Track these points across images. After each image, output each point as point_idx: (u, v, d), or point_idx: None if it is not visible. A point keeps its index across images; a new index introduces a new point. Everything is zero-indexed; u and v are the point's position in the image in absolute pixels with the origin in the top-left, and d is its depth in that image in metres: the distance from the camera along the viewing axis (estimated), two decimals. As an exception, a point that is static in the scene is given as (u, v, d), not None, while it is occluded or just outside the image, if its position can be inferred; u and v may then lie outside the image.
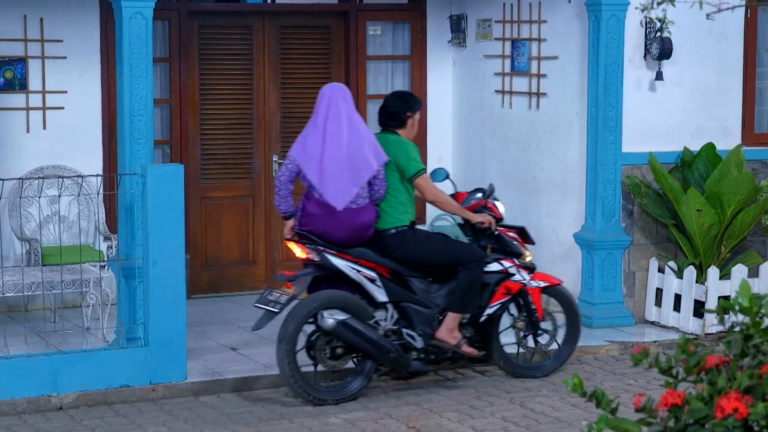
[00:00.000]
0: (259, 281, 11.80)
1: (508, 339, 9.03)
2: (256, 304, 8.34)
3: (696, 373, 3.40)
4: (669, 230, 10.44)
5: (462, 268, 8.53)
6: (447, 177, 9.05)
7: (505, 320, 9.04)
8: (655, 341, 9.95)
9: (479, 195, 9.04)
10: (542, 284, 8.98)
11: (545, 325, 9.08)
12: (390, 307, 8.54)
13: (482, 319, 8.74)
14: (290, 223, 8.58)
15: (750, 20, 10.81)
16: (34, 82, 10.75)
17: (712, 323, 10.08)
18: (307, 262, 8.45)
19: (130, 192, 8.71)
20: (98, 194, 10.45)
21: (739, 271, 10.12)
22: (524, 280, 8.86)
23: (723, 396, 3.19)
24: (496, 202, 9.03)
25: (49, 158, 10.75)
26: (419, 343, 8.55)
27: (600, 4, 10.05)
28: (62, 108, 10.82)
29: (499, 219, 8.94)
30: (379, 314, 8.52)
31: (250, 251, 11.76)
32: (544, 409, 8.31)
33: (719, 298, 10.08)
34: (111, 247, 10.46)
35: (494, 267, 8.76)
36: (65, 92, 10.82)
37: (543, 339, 9.08)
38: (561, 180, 10.76)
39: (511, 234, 8.95)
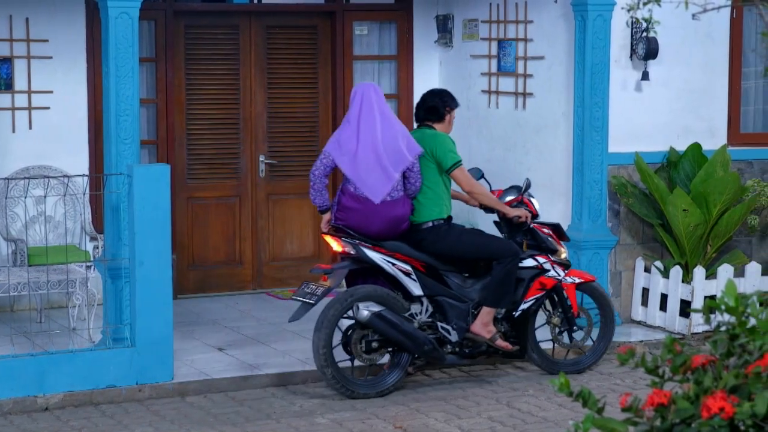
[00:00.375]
0: (246, 281, 11.80)
1: (543, 335, 9.15)
2: (294, 297, 8.49)
3: (682, 373, 3.40)
4: (655, 230, 10.45)
5: (496, 263, 8.64)
6: (482, 176, 9.15)
7: (540, 317, 9.19)
8: (642, 341, 9.97)
9: (513, 194, 9.09)
10: (577, 280, 9.09)
11: (580, 321, 9.20)
12: (425, 300, 8.64)
13: (517, 314, 8.87)
14: (326, 216, 8.74)
15: (735, 20, 10.83)
16: (19, 82, 10.72)
17: (698, 323, 10.10)
18: (343, 256, 8.54)
19: (117, 192, 8.70)
20: (84, 194, 10.43)
21: (725, 270, 10.14)
22: (559, 276, 8.97)
23: (709, 395, 3.19)
24: (532, 199, 9.16)
25: (35, 158, 10.72)
26: (454, 336, 8.65)
27: (586, 5, 10.05)
28: (48, 108, 10.79)
29: (534, 215, 9.05)
30: (414, 308, 8.62)
31: (237, 251, 11.75)
32: (530, 409, 8.31)
33: (705, 297, 10.10)
34: (97, 248, 10.44)
35: (529, 263, 8.89)
36: (51, 92, 10.79)
37: (578, 335, 9.20)
38: (547, 180, 10.77)
39: (546, 230, 9.05)
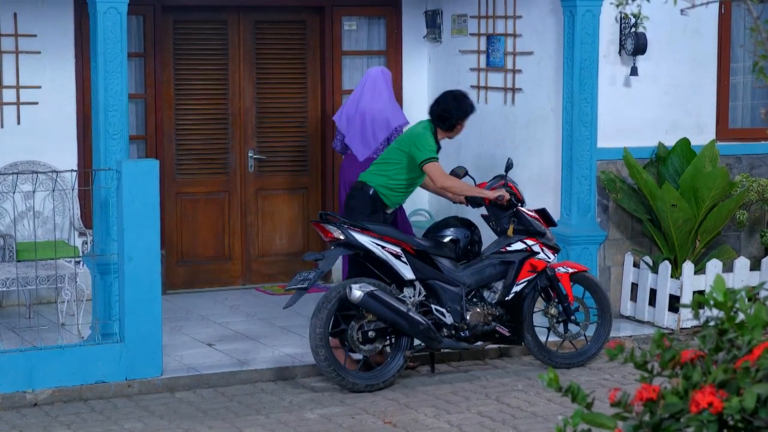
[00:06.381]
0: (235, 276, 11.79)
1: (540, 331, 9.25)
2: (288, 287, 8.51)
3: (671, 368, 3.40)
4: (644, 225, 10.47)
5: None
6: (466, 173, 9.17)
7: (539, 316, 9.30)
8: (631, 336, 9.99)
9: (497, 183, 9.13)
10: (570, 270, 9.12)
11: (578, 315, 9.25)
12: (417, 284, 8.67)
13: (509, 297, 8.89)
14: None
15: (724, 16, 10.85)
16: (8, 77, 10.70)
17: (687, 318, 10.12)
18: (333, 242, 8.57)
19: (105, 187, 8.69)
20: (73, 190, 10.42)
21: (714, 265, 10.16)
22: (548, 258, 9.00)
23: (698, 390, 3.20)
24: (518, 186, 9.21)
25: (23, 154, 10.70)
26: (449, 319, 8.68)
27: (575, 0, 10.06)
28: (36, 103, 10.76)
29: (520, 201, 9.05)
30: (407, 291, 8.66)
31: (226, 247, 11.74)
32: (520, 404, 8.32)
33: (694, 292, 10.11)
34: (86, 243, 10.42)
35: (518, 246, 8.91)
36: (39, 87, 10.77)
37: (574, 328, 9.24)
38: (536, 175, 10.78)
39: (532, 214, 9.06)
